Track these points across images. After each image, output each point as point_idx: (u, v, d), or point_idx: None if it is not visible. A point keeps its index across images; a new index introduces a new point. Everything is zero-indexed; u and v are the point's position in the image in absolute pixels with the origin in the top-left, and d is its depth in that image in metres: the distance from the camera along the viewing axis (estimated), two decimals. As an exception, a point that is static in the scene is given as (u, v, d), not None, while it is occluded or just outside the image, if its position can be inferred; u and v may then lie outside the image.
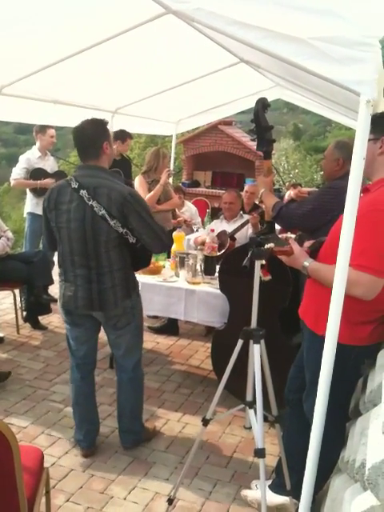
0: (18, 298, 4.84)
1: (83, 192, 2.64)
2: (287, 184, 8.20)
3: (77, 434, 3.08)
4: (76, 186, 2.67)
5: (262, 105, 2.59)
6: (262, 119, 2.59)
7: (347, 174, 3.09)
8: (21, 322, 4.87)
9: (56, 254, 2.91)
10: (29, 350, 4.38)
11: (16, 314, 4.78)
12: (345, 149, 3.13)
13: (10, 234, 4.68)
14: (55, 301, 5.48)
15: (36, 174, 5.23)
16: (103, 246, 2.68)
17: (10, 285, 4.64)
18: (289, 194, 7.71)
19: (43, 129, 5.29)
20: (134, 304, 2.90)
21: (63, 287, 2.84)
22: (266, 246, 2.17)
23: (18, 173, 5.25)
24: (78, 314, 2.86)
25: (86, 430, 3.04)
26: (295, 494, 2.40)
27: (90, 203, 2.63)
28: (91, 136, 2.71)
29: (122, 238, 2.70)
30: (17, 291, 4.82)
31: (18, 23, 3.09)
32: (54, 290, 5.60)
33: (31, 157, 5.31)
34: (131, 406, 3.05)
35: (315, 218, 2.99)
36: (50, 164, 5.44)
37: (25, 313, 4.97)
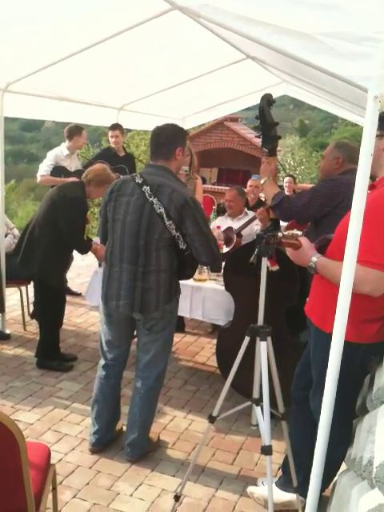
0: (24, 295, 4.85)
1: (146, 188, 2.66)
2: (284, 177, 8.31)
3: (90, 428, 3.08)
4: (140, 182, 2.69)
5: (267, 101, 2.58)
6: (267, 116, 2.57)
7: (346, 171, 3.14)
8: (27, 318, 4.89)
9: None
10: (35, 346, 4.37)
11: (22, 310, 4.79)
12: (345, 148, 3.15)
13: (16, 232, 4.72)
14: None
15: (56, 172, 5.31)
16: (154, 244, 2.69)
17: (17, 282, 4.66)
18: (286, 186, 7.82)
19: (80, 130, 5.36)
20: (173, 309, 2.89)
21: (105, 285, 2.84)
22: (277, 235, 2.15)
23: (45, 169, 5.34)
24: (116, 316, 2.86)
25: (97, 428, 3.03)
26: (302, 491, 2.40)
27: (151, 199, 2.64)
28: (168, 137, 2.74)
29: (174, 241, 2.70)
30: (23, 288, 4.84)
31: (24, 20, 3.09)
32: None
33: (59, 154, 5.39)
34: (145, 417, 2.97)
35: (315, 207, 3.01)
36: (75, 163, 5.54)
37: (31, 309, 4.98)
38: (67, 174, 5.31)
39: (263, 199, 5.30)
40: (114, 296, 2.80)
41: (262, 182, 3.05)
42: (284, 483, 2.63)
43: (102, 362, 3.04)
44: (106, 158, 5.59)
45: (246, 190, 5.41)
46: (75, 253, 4.04)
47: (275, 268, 2.33)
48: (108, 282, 2.83)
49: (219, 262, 3.05)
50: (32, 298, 4.93)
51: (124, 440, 3.03)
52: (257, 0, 1.69)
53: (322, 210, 3.00)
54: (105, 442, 3.07)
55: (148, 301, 2.74)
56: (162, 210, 2.63)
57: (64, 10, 3.04)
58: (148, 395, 2.95)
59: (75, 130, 5.37)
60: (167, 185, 2.66)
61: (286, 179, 8.19)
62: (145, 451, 3.02)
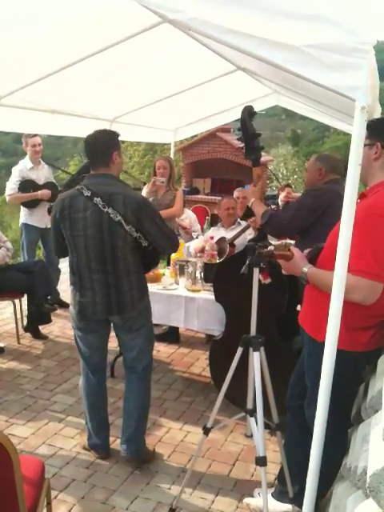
0: (17, 308, 4.82)
1: (97, 200, 2.69)
2: (279, 187, 8.26)
3: (93, 439, 3.08)
4: (89, 194, 2.71)
5: (248, 113, 2.61)
6: (249, 127, 2.61)
7: (329, 181, 3.26)
8: (21, 331, 4.86)
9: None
10: (29, 359, 4.37)
11: (16, 323, 4.77)
12: (326, 160, 3.28)
13: (9, 245, 4.70)
14: (55, 310, 5.49)
15: (24, 186, 5.17)
16: (120, 251, 2.75)
17: (11, 295, 4.64)
18: (281, 197, 7.79)
19: (25, 138, 5.22)
20: (147, 306, 2.99)
21: (78, 294, 2.86)
22: (268, 248, 2.16)
23: (11, 187, 5.17)
24: (94, 319, 2.89)
25: (104, 435, 3.08)
26: (298, 501, 2.38)
27: (106, 210, 2.68)
28: (103, 144, 2.79)
29: (136, 242, 2.78)
30: (17, 301, 4.81)
31: (15, 33, 3.11)
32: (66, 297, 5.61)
33: (23, 168, 5.25)
34: (139, 407, 3.02)
35: (301, 218, 3.10)
36: (44, 173, 5.37)
37: (25, 322, 4.95)
38: (36, 187, 5.19)
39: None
40: (89, 303, 2.83)
41: (249, 204, 3.14)
42: (280, 494, 2.61)
43: (87, 370, 3.04)
44: (89, 171, 5.55)
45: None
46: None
47: (268, 281, 2.35)
48: (81, 291, 2.85)
49: (177, 247, 3.08)
50: (26, 311, 4.92)
51: (121, 439, 3.04)
52: (245, 13, 1.71)
53: (307, 221, 3.10)
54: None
55: (124, 303, 2.82)
56: (120, 217, 2.68)
57: (55, 23, 3.05)
58: (139, 384, 3.02)
59: (22, 140, 5.22)
60: (118, 192, 2.71)
61: (286, 189, 8.12)
62: (141, 450, 3.02)
